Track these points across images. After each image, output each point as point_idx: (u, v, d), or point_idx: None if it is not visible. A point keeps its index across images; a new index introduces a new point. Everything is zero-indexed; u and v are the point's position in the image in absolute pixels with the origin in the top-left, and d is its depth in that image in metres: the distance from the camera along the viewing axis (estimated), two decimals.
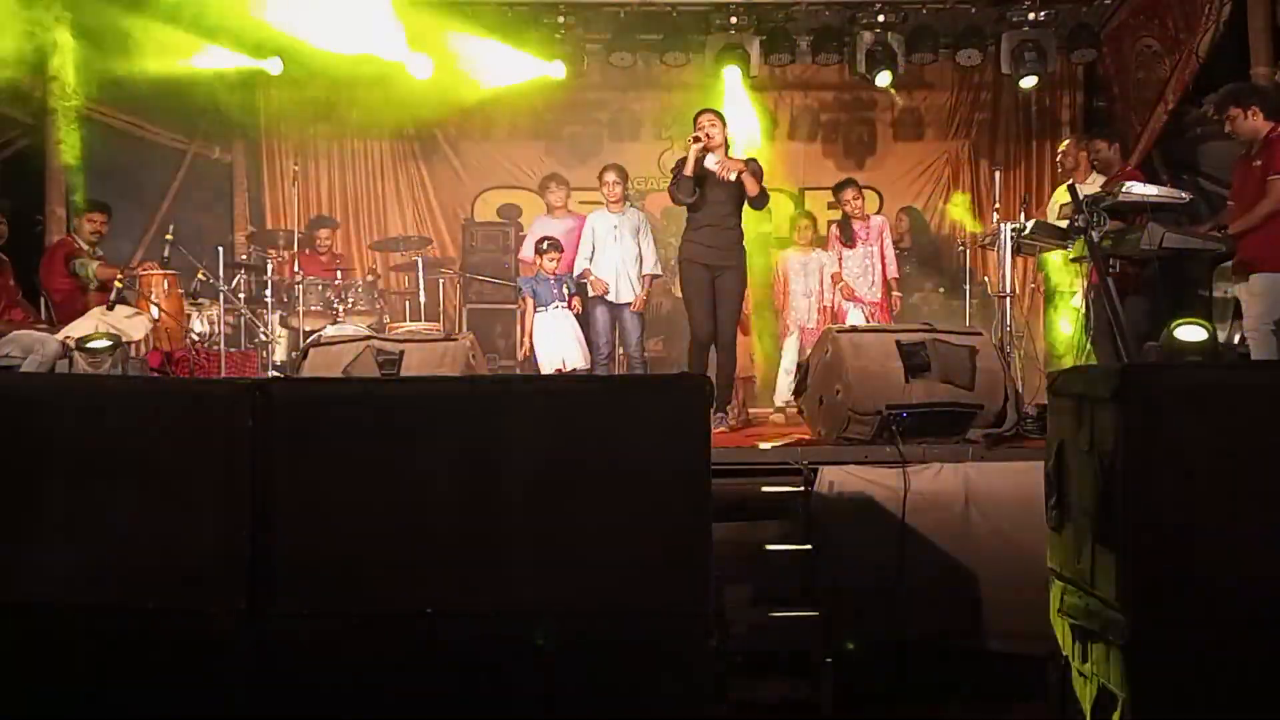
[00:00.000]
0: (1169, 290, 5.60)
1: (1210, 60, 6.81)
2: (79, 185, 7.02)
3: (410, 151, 9.22)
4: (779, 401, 7.06)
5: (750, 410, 6.91)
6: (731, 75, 8.16)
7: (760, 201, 5.78)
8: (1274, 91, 5.21)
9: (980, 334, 4.90)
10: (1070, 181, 5.95)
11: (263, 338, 7.24)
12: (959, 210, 8.62)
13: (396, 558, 2.40)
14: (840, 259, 7.15)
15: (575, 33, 8.12)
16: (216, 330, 6.94)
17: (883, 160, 9.20)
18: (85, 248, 6.44)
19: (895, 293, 7.11)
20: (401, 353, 4.71)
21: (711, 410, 5.79)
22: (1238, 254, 5.14)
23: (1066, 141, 7.02)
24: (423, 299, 7.87)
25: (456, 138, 9.21)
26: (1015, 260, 6.00)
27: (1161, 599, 2.24)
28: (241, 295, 7.30)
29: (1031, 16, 8.10)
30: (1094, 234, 5.23)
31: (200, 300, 7.05)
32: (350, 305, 7.57)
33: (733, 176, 5.67)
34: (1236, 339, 5.22)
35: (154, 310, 6.27)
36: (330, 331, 6.74)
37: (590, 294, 6.63)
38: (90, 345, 4.98)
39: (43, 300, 6.46)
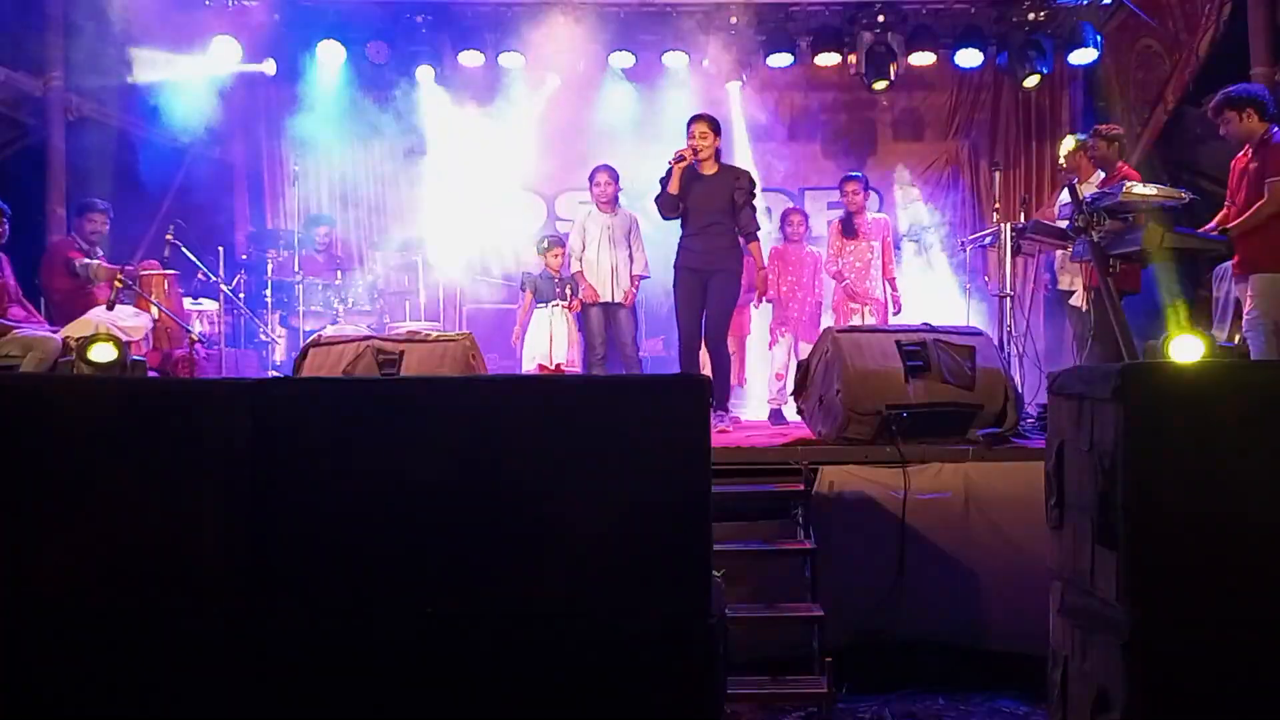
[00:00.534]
0: (1169, 290, 5.59)
1: (1210, 60, 6.81)
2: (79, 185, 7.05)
3: (412, 151, 9.21)
4: (769, 405, 7.05)
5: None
6: (731, 75, 8.18)
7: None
8: (1268, 93, 5.21)
9: (980, 334, 4.91)
10: (1070, 181, 5.95)
11: (263, 338, 7.24)
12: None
13: (396, 558, 2.40)
14: (841, 255, 7.13)
15: (575, 33, 8.12)
16: (216, 330, 6.94)
17: (883, 160, 9.19)
18: (85, 247, 6.44)
19: (894, 292, 7.10)
20: (401, 353, 4.71)
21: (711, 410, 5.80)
22: (1237, 254, 5.14)
23: (1067, 142, 7.01)
24: (423, 299, 7.87)
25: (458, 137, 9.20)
26: (1015, 260, 6.00)
27: (1161, 599, 2.24)
28: (241, 295, 7.30)
29: (1031, 16, 8.10)
30: (1094, 234, 5.23)
31: (200, 300, 7.06)
32: (350, 305, 7.57)
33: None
34: (1236, 339, 5.22)
35: (154, 310, 6.27)
36: (330, 331, 6.74)
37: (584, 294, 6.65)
38: (94, 356, 4.97)
39: (43, 300, 6.46)
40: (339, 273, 7.87)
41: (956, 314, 6.90)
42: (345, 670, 2.37)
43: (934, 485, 4.26)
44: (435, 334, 5.36)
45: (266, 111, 8.95)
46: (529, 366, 6.75)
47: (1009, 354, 5.54)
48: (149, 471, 2.44)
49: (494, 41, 8.31)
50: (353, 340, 4.91)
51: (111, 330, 5.77)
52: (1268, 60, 6.34)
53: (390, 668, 2.36)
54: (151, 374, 5.83)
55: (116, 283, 6.02)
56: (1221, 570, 2.24)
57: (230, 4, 7.97)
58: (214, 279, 6.85)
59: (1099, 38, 8.09)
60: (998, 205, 6.64)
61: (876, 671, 4.03)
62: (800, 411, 5.20)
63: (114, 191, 6.97)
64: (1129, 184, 5.24)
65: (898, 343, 4.61)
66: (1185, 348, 4.34)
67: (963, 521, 4.21)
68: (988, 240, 6.27)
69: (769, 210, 8.04)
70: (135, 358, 5.62)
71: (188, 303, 6.85)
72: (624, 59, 8.40)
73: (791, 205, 8.19)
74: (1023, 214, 6.95)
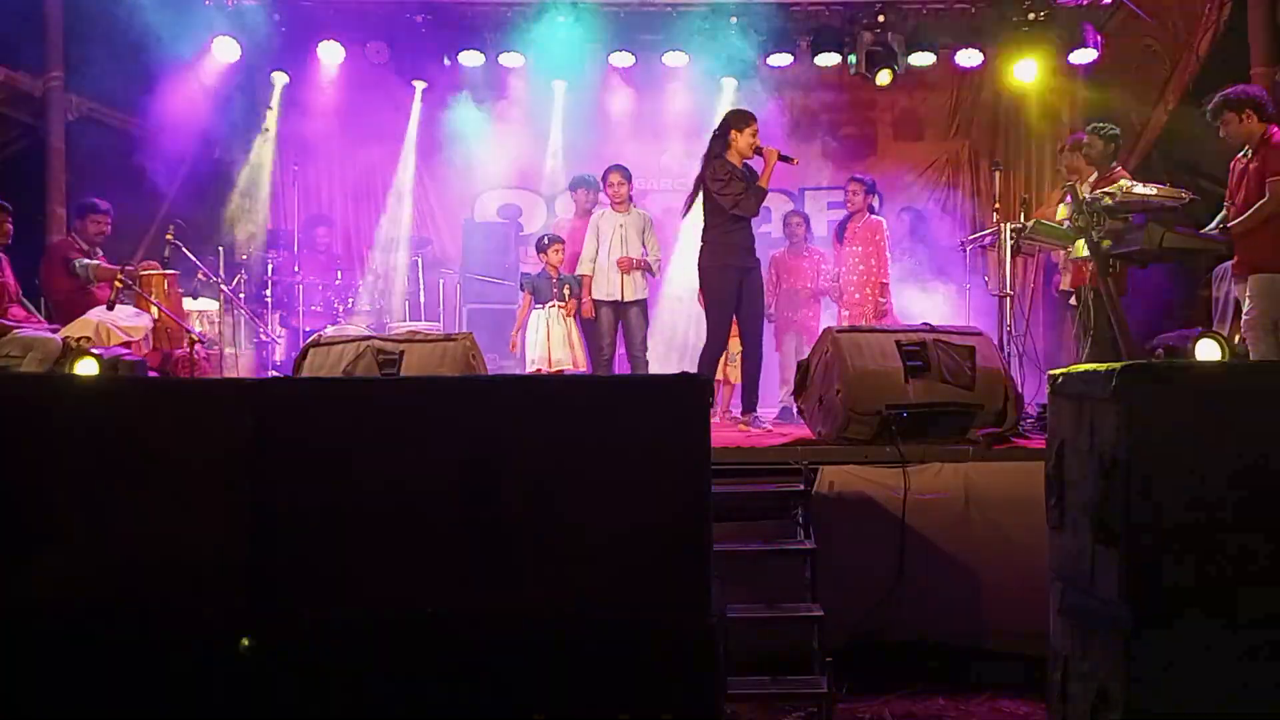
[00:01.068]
0: (1169, 290, 5.60)
1: (1210, 60, 6.81)
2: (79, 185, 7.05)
3: (412, 151, 9.22)
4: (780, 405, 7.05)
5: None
6: (732, 75, 8.18)
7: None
8: (1266, 94, 5.22)
9: (980, 334, 4.90)
10: (1070, 181, 5.95)
11: (263, 338, 7.25)
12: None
13: (396, 558, 2.40)
14: (838, 259, 7.14)
15: (575, 32, 8.12)
16: (216, 330, 6.94)
17: (883, 160, 9.19)
18: (85, 247, 6.44)
19: (882, 299, 7.07)
20: (401, 353, 4.71)
21: (736, 413, 5.70)
22: (1237, 254, 5.14)
23: (1066, 142, 7.01)
24: (423, 299, 7.88)
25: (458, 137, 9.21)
26: (1015, 260, 6.00)
27: (1161, 598, 2.24)
28: (241, 295, 7.30)
29: (1031, 16, 8.10)
30: (1094, 234, 5.23)
31: (200, 300, 7.06)
32: (350, 305, 7.57)
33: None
34: (1236, 339, 5.22)
35: (154, 310, 6.27)
36: (330, 331, 6.74)
37: (593, 294, 6.60)
38: (79, 371, 4.99)
39: (43, 300, 6.46)
40: (339, 273, 7.87)
41: (956, 314, 6.89)
42: (345, 670, 2.37)
43: (934, 485, 4.26)
44: (435, 334, 5.36)
45: (266, 111, 8.94)
46: (530, 369, 6.72)
47: (1009, 354, 5.54)
48: (149, 471, 2.44)
49: (494, 41, 8.30)
50: (353, 340, 4.91)
51: (112, 330, 5.78)
52: (1268, 60, 6.34)
53: (390, 667, 2.36)
54: (151, 374, 5.83)
55: (116, 283, 6.02)
56: (1221, 570, 2.24)
57: (230, 4, 7.97)
58: (214, 279, 6.85)
59: (1099, 38, 8.09)
60: (998, 205, 6.63)
61: (876, 671, 4.03)
62: (800, 411, 5.20)
63: (114, 191, 6.97)
64: (1129, 184, 5.25)
65: (898, 343, 4.61)
66: (1207, 349, 4.37)
67: (963, 521, 4.21)
68: (988, 240, 6.27)
69: (768, 210, 8.02)
70: (135, 358, 5.63)
71: (188, 303, 6.85)
72: (624, 59, 8.40)
73: (792, 208, 8.20)
74: (1023, 214, 6.94)
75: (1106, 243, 5.20)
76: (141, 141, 7.83)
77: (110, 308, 5.92)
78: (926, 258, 8.26)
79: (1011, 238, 5.82)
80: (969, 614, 4.15)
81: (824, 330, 5.06)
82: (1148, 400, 2.28)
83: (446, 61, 8.32)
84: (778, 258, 7.33)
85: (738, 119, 5.74)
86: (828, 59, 8.40)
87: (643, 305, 6.61)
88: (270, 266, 7.38)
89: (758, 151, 5.61)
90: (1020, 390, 4.93)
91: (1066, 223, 5.57)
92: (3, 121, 7.15)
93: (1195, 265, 5.74)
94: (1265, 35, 6.37)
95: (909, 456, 4.30)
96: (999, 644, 4.07)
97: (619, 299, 6.54)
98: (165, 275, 6.51)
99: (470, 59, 8.34)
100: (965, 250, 7.23)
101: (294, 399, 2.53)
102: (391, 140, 8.91)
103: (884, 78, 8.14)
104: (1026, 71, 8.20)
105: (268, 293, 7.26)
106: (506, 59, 8.38)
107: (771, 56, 8.36)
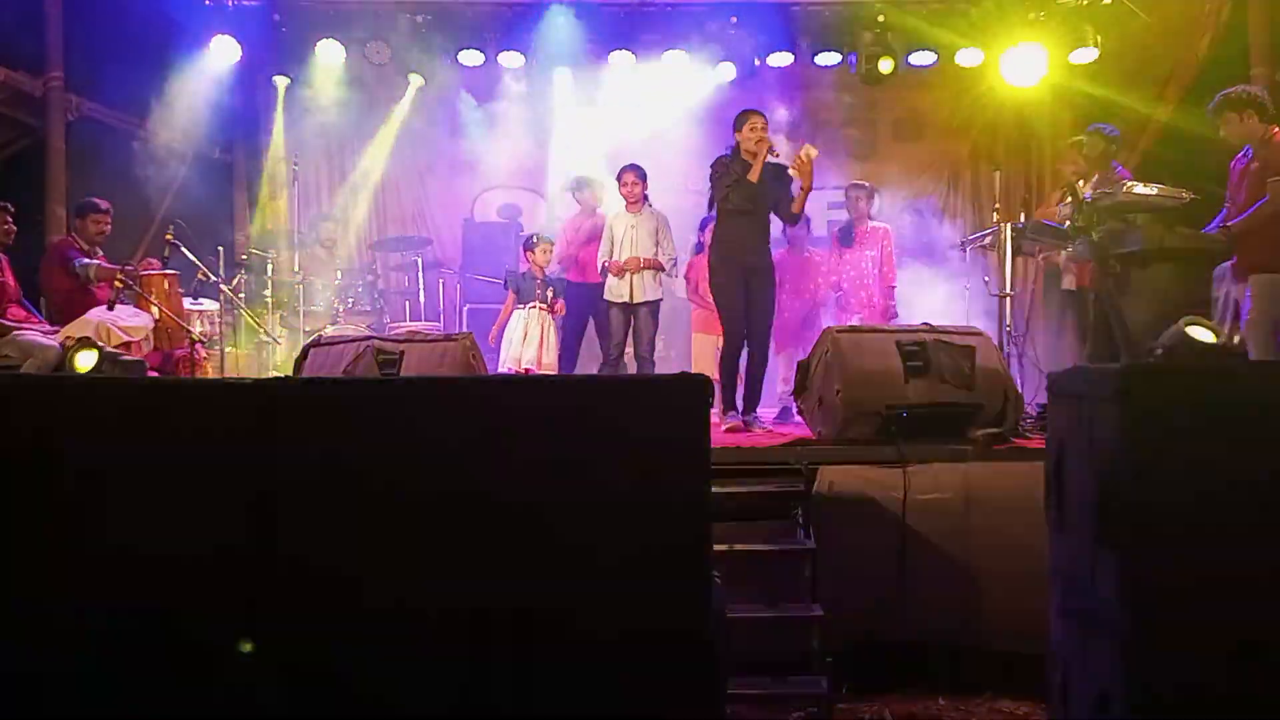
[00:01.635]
0: (1169, 290, 5.59)
1: (1210, 60, 6.81)
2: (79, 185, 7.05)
3: (411, 151, 9.22)
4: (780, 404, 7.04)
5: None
6: (732, 75, 8.19)
7: (797, 219, 5.98)
8: (1267, 94, 5.22)
9: (980, 334, 4.90)
10: (1070, 181, 5.95)
11: (263, 338, 7.25)
12: None
13: (396, 557, 2.40)
14: (841, 265, 7.14)
15: (575, 32, 8.12)
16: (216, 330, 6.94)
17: (883, 160, 9.19)
18: (85, 247, 6.44)
19: (890, 301, 7.08)
20: (401, 353, 4.71)
21: (732, 413, 5.72)
22: (1237, 254, 5.14)
23: (1069, 141, 7.02)
24: (423, 299, 7.88)
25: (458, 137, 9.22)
26: (1015, 260, 6.00)
27: (1161, 599, 2.24)
28: (241, 295, 7.30)
29: (1031, 16, 8.10)
30: (1094, 234, 5.23)
31: (200, 300, 7.06)
32: (350, 305, 7.57)
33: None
34: (1236, 339, 5.22)
35: (154, 310, 6.27)
36: (330, 331, 6.75)
37: (605, 294, 6.59)
38: (79, 363, 4.98)
39: (43, 300, 6.46)
40: (339, 273, 7.87)
41: (957, 314, 6.90)
42: (345, 670, 2.38)
43: (934, 485, 4.26)
44: (435, 334, 5.36)
45: (266, 111, 8.95)
46: (504, 368, 6.70)
47: (1009, 354, 5.54)
48: (149, 472, 2.44)
49: (494, 41, 8.31)
50: (353, 340, 4.91)
51: (112, 330, 5.78)
52: (1268, 60, 6.34)
53: (390, 667, 2.37)
54: (151, 374, 5.84)
55: (116, 283, 6.03)
56: (1222, 570, 2.24)
57: (230, 4, 7.97)
58: (214, 279, 6.85)
59: (1099, 38, 8.09)
60: (998, 205, 6.64)
61: (876, 671, 4.03)
62: (800, 411, 5.20)
63: (114, 191, 6.97)
64: (1129, 184, 5.25)
65: (898, 343, 4.61)
66: (1200, 333, 4.37)
67: (963, 521, 4.21)
68: (988, 240, 6.27)
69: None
70: (135, 358, 5.63)
71: (188, 303, 6.85)
72: (624, 59, 8.40)
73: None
74: (1023, 214, 6.95)
75: (1107, 242, 5.21)
76: (141, 141, 7.83)
77: (110, 308, 5.93)
78: (926, 258, 8.27)
79: (1011, 238, 5.82)
80: (969, 614, 4.15)
81: (824, 330, 5.06)
82: (1148, 400, 2.28)
83: (445, 62, 8.33)
84: (777, 259, 7.33)
85: (737, 118, 5.83)
86: (828, 59, 8.41)
87: (653, 306, 6.58)
88: (270, 266, 7.37)
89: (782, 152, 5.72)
90: (1020, 390, 4.93)
91: (1066, 223, 5.57)
92: (3, 121, 7.16)
93: (1195, 265, 5.73)
94: (1265, 35, 6.38)
95: (909, 456, 4.30)
96: (999, 644, 4.07)
97: (629, 300, 6.53)
98: (165, 275, 6.51)
99: (470, 58, 8.35)
100: (965, 250, 7.23)
101: (294, 399, 2.53)
102: (390, 140, 8.91)
103: (885, 65, 8.14)
104: (1026, 71, 8.20)
105: (268, 293, 7.25)
106: (506, 58, 8.38)
107: (771, 56, 8.36)
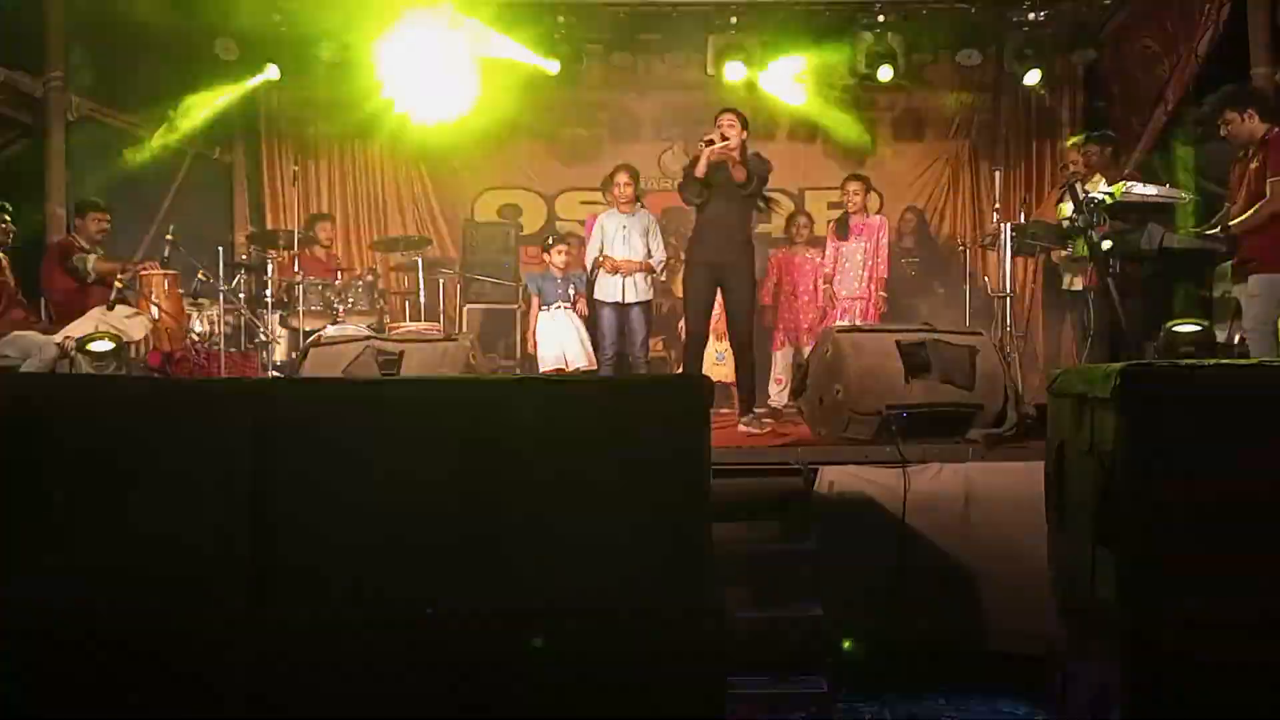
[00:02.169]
0: (1169, 290, 5.60)
1: (1210, 60, 6.81)
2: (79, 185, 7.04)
3: (411, 151, 9.21)
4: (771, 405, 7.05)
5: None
6: (732, 75, 8.18)
7: (746, 186, 5.63)
8: (1269, 94, 5.22)
9: (980, 334, 4.90)
10: (1070, 181, 5.95)
11: (263, 338, 7.24)
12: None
13: (396, 557, 2.40)
14: (836, 257, 7.14)
15: (575, 32, 8.12)
16: (216, 330, 6.94)
17: (883, 160, 9.19)
18: (86, 247, 6.44)
19: (881, 292, 7.07)
20: (401, 353, 4.72)
21: (719, 412, 5.69)
22: (1238, 254, 5.14)
23: (1069, 142, 7.02)
24: (423, 299, 7.87)
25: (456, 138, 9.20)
26: (1015, 260, 6.01)
27: (1161, 599, 2.24)
28: (241, 295, 7.30)
29: (1031, 16, 8.10)
30: (1094, 234, 5.23)
31: (200, 300, 7.06)
32: (350, 305, 7.56)
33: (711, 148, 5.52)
34: (1236, 339, 5.22)
35: (154, 310, 6.26)
36: (330, 331, 6.74)
37: (595, 294, 6.60)
38: (92, 348, 4.97)
39: (43, 300, 6.46)
40: (339, 272, 7.87)
41: (957, 314, 6.90)
42: (345, 670, 2.37)
43: (934, 485, 4.26)
44: (435, 334, 5.36)
45: (266, 111, 8.95)
46: (546, 369, 6.70)
47: (1009, 354, 5.54)
48: (148, 472, 2.44)
49: (494, 41, 8.29)
50: (353, 340, 4.91)
51: (113, 331, 5.77)
52: (1268, 60, 6.33)
53: (391, 667, 2.37)
54: (152, 374, 5.83)
55: (117, 283, 6.02)
56: (1221, 570, 2.24)
57: (230, 3, 7.96)
58: (214, 279, 6.85)
59: (1099, 38, 8.10)
60: (998, 205, 6.64)
61: (876, 671, 4.02)
62: (800, 412, 5.20)
63: (114, 191, 6.97)
64: (1129, 184, 5.25)
65: (898, 343, 4.61)
66: (1185, 325, 4.40)
67: (963, 521, 4.21)
68: (987, 240, 6.27)
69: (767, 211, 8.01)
70: (135, 358, 5.63)
71: (187, 303, 6.85)
72: (624, 59, 8.40)
73: (794, 208, 8.20)
74: (1023, 214, 6.95)
75: (1107, 242, 5.21)
76: (141, 141, 7.83)
77: (110, 308, 5.92)
78: (926, 258, 8.27)
79: (1011, 238, 5.83)
80: (969, 614, 4.14)
81: (824, 330, 5.06)
82: (1148, 401, 2.28)
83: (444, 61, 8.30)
84: (777, 257, 7.33)
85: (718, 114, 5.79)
86: (829, 59, 8.40)
87: (645, 306, 6.57)
88: (270, 266, 7.37)
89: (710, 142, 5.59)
90: (1020, 390, 4.93)
91: (1066, 222, 5.57)
92: (3, 121, 7.15)
93: (1195, 265, 5.74)
94: (1265, 35, 6.37)
95: (909, 456, 4.30)
96: (999, 644, 4.06)
97: (620, 300, 6.53)
98: (165, 275, 6.51)
99: (470, 58, 8.32)
100: (965, 250, 7.24)
101: (294, 399, 2.53)
102: (390, 140, 8.89)
103: (885, 73, 8.15)
104: (1026, 72, 8.20)
105: (268, 293, 7.25)
106: (506, 58, 8.36)
107: (771, 56, 8.35)
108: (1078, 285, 6.30)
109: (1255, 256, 5.01)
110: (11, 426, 2.47)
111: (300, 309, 7.21)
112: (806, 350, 6.62)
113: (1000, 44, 8.32)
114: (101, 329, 5.70)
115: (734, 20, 8.13)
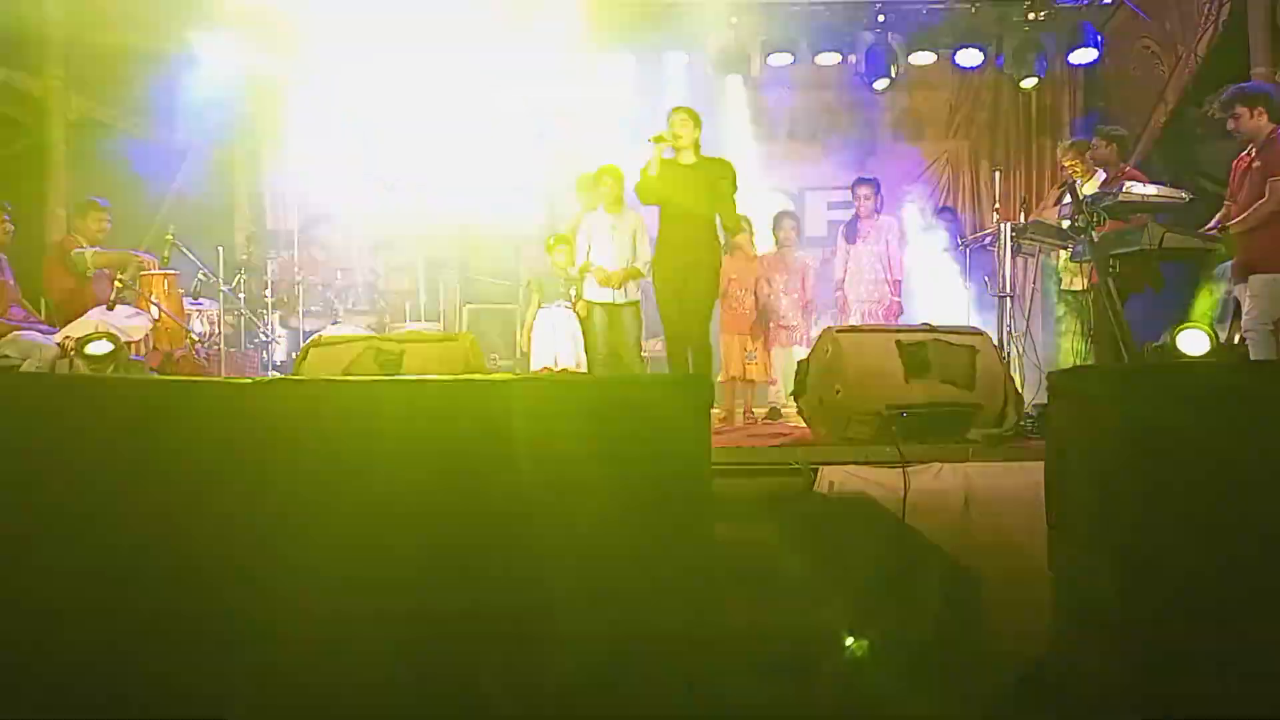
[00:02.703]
0: (1169, 290, 5.60)
1: (1210, 60, 6.82)
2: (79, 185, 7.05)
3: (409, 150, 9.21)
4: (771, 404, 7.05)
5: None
6: (732, 75, 8.19)
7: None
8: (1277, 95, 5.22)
9: (980, 334, 4.90)
10: (1070, 181, 5.95)
11: (263, 338, 7.25)
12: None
13: (395, 558, 2.40)
14: (846, 262, 7.14)
15: (575, 32, 8.11)
16: (216, 330, 6.94)
17: (883, 160, 9.20)
18: (85, 244, 6.44)
19: (895, 296, 7.08)
20: (401, 353, 4.71)
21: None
22: (1238, 254, 5.14)
23: (1067, 144, 7.01)
24: (423, 299, 7.88)
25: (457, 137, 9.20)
26: (1015, 260, 6.01)
27: (1161, 599, 2.24)
28: (241, 295, 7.30)
29: (1031, 16, 8.11)
30: (1094, 234, 5.23)
31: (200, 300, 7.06)
32: (350, 305, 7.57)
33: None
34: (1236, 339, 5.23)
35: (154, 310, 6.26)
36: (330, 331, 6.75)
37: (587, 294, 6.59)
38: (90, 350, 4.96)
39: (43, 300, 6.46)
40: (339, 273, 7.87)
41: (957, 314, 6.90)
42: (345, 670, 2.37)
43: (934, 485, 4.26)
44: (435, 334, 5.36)
45: (266, 110, 8.94)
46: (538, 367, 6.70)
47: (1009, 354, 5.54)
48: (148, 472, 2.44)
49: (494, 40, 8.30)
50: (353, 340, 4.91)
51: (112, 330, 5.77)
52: (1268, 60, 6.34)
53: (391, 668, 2.37)
54: (152, 374, 5.83)
55: (117, 283, 6.02)
56: (1221, 570, 2.24)
57: (231, 3, 7.97)
58: (214, 279, 6.85)
59: (1099, 38, 8.10)
60: (998, 205, 6.64)
61: (876, 672, 4.02)
62: (800, 411, 5.20)
63: (114, 191, 6.97)
64: (1129, 184, 5.25)
65: (898, 343, 4.61)
66: (1191, 341, 4.36)
67: (963, 521, 4.21)
68: (987, 240, 6.27)
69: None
70: (135, 358, 5.63)
71: (187, 303, 6.85)
72: (624, 58, 8.40)
73: (782, 210, 8.18)
74: (1023, 214, 6.94)
75: (1107, 242, 5.21)
76: (141, 141, 7.83)
77: (110, 308, 5.92)
78: (926, 258, 8.27)
79: (1011, 237, 5.83)
80: (969, 614, 4.14)
81: (824, 330, 5.05)
82: (1147, 401, 2.28)
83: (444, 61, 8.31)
84: (763, 259, 7.31)
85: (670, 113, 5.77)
86: (828, 59, 8.41)
87: (636, 307, 6.57)
88: (270, 266, 7.37)
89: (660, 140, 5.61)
90: (1020, 390, 4.93)
91: (1066, 222, 5.58)
92: (3, 121, 7.15)
93: (1195, 265, 5.74)
94: (1265, 35, 6.38)
95: (909, 456, 4.29)
96: (999, 643, 4.06)
97: (611, 301, 6.52)
98: (165, 275, 6.51)
99: (469, 57, 8.33)
100: (965, 250, 7.23)
101: (294, 399, 2.53)
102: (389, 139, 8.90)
103: (881, 85, 8.17)
104: (1026, 72, 8.21)
105: (268, 293, 7.25)
106: (506, 57, 8.36)
107: (771, 56, 8.36)
108: (1078, 285, 6.30)
109: (1255, 256, 5.01)
110: (11, 426, 2.47)
111: (300, 309, 7.22)
112: (798, 350, 6.64)
113: (1000, 44, 8.32)
114: (101, 329, 5.70)
115: (733, 20, 8.14)
